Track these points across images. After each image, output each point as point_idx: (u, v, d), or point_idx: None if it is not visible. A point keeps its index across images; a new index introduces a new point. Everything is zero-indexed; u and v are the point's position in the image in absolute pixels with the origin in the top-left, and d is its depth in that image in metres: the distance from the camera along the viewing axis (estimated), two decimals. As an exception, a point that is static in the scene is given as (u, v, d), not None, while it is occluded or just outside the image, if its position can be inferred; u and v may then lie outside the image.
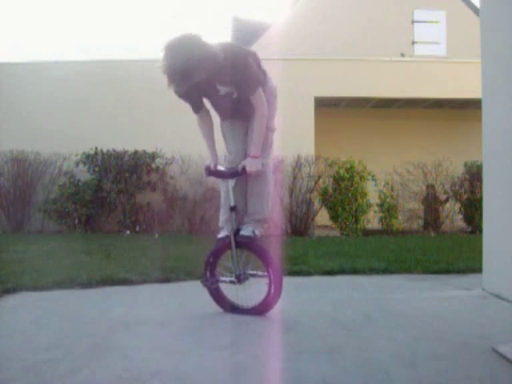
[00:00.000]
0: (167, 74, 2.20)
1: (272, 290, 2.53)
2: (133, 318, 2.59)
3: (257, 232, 2.58)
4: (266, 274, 2.54)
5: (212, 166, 2.62)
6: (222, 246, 2.65)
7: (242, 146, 2.62)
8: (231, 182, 2.56)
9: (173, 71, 2.18)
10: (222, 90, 2.45)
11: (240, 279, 2.60)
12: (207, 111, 2.65)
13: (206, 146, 2.66)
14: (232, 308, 2.68)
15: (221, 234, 2.65)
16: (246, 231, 2.57)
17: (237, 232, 2.57)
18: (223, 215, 2.67)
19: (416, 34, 11.68)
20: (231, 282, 2.62)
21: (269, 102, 2.52)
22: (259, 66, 2.55)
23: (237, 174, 2.54)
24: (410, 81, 9.17)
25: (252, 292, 2.60)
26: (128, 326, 2.45)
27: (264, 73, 2.59)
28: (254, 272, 2.64)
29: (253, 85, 2.41)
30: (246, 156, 2.57)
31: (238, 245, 2.57)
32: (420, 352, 2.03)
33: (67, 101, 8.63)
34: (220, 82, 2.41)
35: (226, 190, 2.62)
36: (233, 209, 2.57)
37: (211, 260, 2.65)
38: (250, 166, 2.47)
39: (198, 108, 2.59)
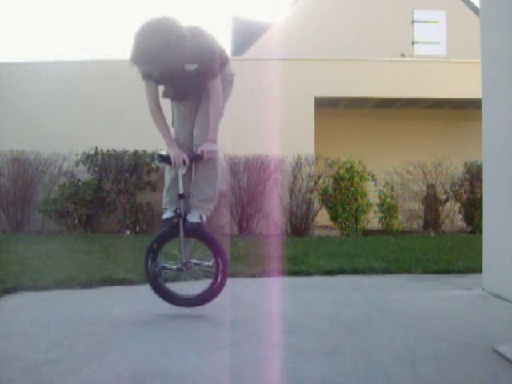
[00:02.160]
0: (137, 55, 2.27)
1: (219, 279, 2.54)
2: (133, 318, 2.59)
3: (204, 217, 2.61)
4: (211, 263, 2.57)
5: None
6: (168, 233, 2.61)
7: (189, 125, 2.68)
8: (182, 169, 2.55)
9: (144, 53, 2.26)
10: (190, 68, 2.47)
11: (187, 267, 2.60)
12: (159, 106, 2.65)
13: (164, 137, 2.62)
14: (172, 297, 2.66)
15: (166, 215, 2.63)
16: (193, 217, 2.57)
17: (184, 218, 2.56)
18: (166, 197, 2.70)
19: (416, 34, 11.68)
20: (178, 269, 2.62)
21: (223, 87, 2.62)
22: (222, 52, 2.64)
23: (195, 158, 2.56)
24: (410, 81, 9.17)
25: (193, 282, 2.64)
26: (128, 326, 2.46)
27: (226, 58, 2.72)
28: (199, 261, 2.64)
29: (214, 71, 2.49)
30: (189, 135, 2.65)
31: (187, 232, 2.55)
32: (420, 352, 2.03)
33: (67, 100, 8.63)
34: (188, 62, 2.45)
35: (172, 175, 2.64)
36: (181, 196, 2.57)
37: (155, 246, 2.61)
38: (208, 149, 2.52)
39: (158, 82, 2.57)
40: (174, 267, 2.63)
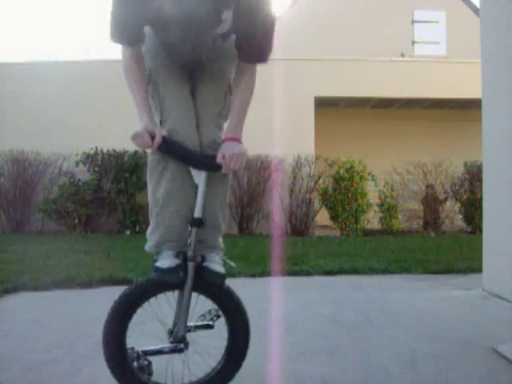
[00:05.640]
0: None
1: (233, 354, 1.68)
2: (132, 318, 2.59)
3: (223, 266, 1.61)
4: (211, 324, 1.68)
5: (158, 135, 1.55)
6: (154, 286, 1.62)
7: (188, 106, 1.64)
8: (204, 177, 1.53)
9: None
10: (223, 25, 1.50)
11: (186, 343, 1.64)
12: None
13: (139, 99, 1.64)
14: None
15: (165, 261, 1.54)
16: (216, 264, 1.58)
17: (200, 264, 1.56)
18: (161, 226, 1.59)
19: (416, 34, 11.69)
20: (173, 350, 1.61)
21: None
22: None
23: (210, 166, 1.54)
24: (410, 81, 9.17)
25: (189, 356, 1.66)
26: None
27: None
28: (203, 322, 1.73)
29: (269, 52, 1.62)
30: (190, 125, 1.59)
31: (199, 287, 1.61)
32: (420, 351, 2.03)
33: (67, 100, 8.62)
34: (226, 9, 1.44)
35: (167, 187, 1.57)
36: (199, 223, 1.52)
37: (125, 310, 1.68)
38: (233, 153, 1.52)
39: (137, 39, 1.55)
40: (167, 348, 1.62)
